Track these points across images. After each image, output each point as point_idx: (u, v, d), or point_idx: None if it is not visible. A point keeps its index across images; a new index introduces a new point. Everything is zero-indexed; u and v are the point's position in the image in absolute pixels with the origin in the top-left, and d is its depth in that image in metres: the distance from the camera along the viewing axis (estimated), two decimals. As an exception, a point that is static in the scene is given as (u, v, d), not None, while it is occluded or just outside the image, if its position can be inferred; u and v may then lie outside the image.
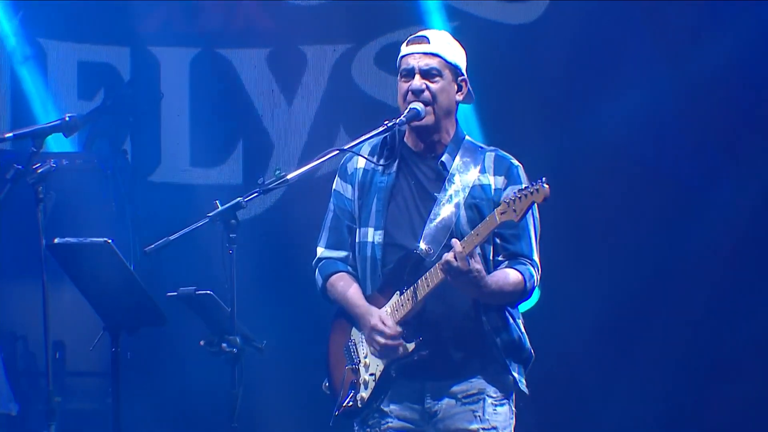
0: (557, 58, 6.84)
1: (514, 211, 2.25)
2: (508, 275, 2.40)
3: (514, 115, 6.72)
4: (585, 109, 6.46)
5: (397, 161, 2.50)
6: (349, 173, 2.56)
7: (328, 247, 2.60)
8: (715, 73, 6.41)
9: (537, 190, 2.25)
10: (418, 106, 2.43)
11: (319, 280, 2.61)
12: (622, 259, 6.09)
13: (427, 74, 2.42)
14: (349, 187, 2.57)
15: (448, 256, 2.26)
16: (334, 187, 2.62)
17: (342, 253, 2.58)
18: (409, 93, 2.42)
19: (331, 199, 2.61)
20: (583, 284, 6.08)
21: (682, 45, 6.52)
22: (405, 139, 2.52)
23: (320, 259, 2.62)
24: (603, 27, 6.64)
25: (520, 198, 2.25)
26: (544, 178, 2.28)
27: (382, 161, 2.49)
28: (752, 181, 6.06)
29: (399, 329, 2.38)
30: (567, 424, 6.12)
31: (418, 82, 2.42)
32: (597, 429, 6.13)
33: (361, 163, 2.52)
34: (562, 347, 6.17)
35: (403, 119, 2.43)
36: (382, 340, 2.37)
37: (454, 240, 2.30)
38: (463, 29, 6.78)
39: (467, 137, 2.54)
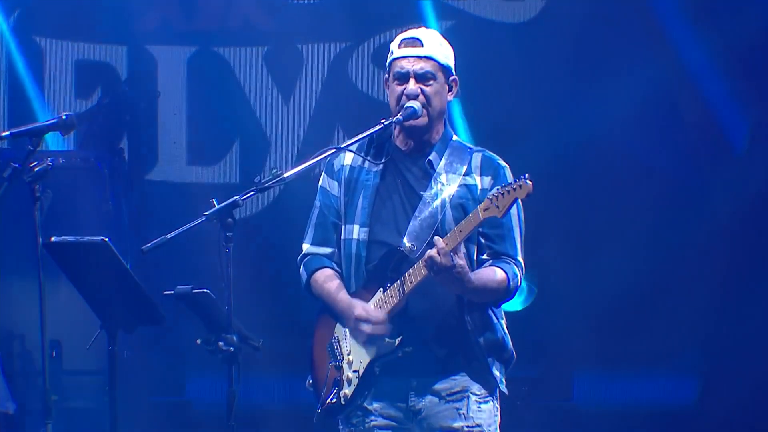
0: (553, 56, 6.84)
1: (497, 207, 2.26)
2: (492, 273, 2.40)
3: (508, 113, 6.73)
4: (580, 106, 6.46)
5: (384, 159, 2.50)
6: (336, 170, 2.56)
7: (313, 243, 2.60)
8: (711, 68, 6.42)
9: (520, 186, 2.26)
10: (415, 104, 2.43)
11: (304, 275, 2.61)
12: (616, 253, 6.09)
13: (422, 78, 2.43)
14: (336, 183, 2.57)
15: (431, 252, 2.26)
16: (320, 183, 2.61)
17: (327, 250, 2.58)
18: (404, 97, 2.43)
19: (317, 196, 2.60)
20: (580, 279, 6.09)
21: (678, 41, 6.53)
22: (393, 137, 2.53)
23: (305, 255, 2.62)
24: (598, 25, 6.64)
25: (503, 194, 2.26)
26: (527, 174, 2.28)
27: (369, 158, 2.50)
28: (746, 176, 6.08)
29: (384, 316, 2.38)
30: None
31: (413, 86, 2.42)
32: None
33: (347, 160, 2.52)
34: (557, 343, 6.19)
35: (400, 118, 2.43)
36: (368, 328, 2.37)
37: (436, 237, 2.30)
38: (458, 28, 6.79)
39: (455, 137, 2.54)
